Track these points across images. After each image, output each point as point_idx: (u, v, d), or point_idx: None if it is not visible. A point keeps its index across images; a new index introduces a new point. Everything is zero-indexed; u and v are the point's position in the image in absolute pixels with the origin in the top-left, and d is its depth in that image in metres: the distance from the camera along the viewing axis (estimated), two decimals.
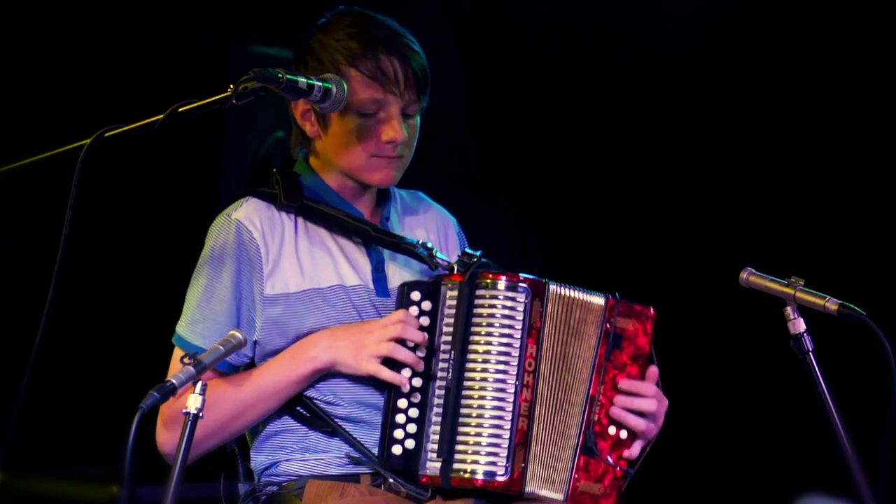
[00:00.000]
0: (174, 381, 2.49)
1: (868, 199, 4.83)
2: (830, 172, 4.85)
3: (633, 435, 2.92)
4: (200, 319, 2.94)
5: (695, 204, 5.01)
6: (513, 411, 2.82)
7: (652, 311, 2.94)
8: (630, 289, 2.96)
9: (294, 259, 2.97)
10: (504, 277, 2.85)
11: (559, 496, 2.86)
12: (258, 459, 2.98)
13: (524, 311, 2.85)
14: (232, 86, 2.73)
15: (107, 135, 2.74)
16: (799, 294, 2.85)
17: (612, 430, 2.90)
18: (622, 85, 5.07)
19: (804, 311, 2.86)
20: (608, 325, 2.91)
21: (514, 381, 2.83)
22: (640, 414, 2.91)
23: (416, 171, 3.10)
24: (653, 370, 2.95)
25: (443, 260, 2.97)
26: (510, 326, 2.84)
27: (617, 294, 2.92)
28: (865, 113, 4.81)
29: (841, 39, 4.80)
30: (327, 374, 2.91)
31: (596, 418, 2.89)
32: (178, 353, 2.95)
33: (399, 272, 3.03)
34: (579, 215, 5.12)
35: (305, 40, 3.03)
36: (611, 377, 2.90)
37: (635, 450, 2.92)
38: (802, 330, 2.84)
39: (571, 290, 2.90)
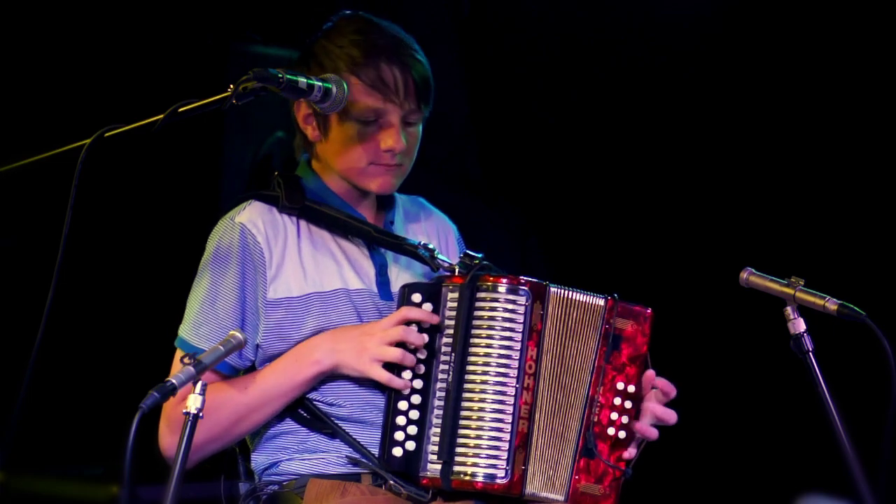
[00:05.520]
0: (174, 381, 2.48)
1: (868, 199, 4.83)
2: (830, 172, 4.85)
3: (632, 436, 2.92)
4: (204, 322, 2.92)
5: (695, 204, 5.01)
6: (513, 414, 2.82)
7: (649, 311, 2.93)
8: (630, 289, 2.96)
9: (297, 263, 2.97)
10: (505, 280, 2.85)
11: (560, 497, 2.86)
12: (259, 459, 2.98)
13: (525, 314, 2.84)
14: (232, 86, 2.72)
15: (107, 135, 2.73)
16: (799, 294, 2.85)
17: (610, 430, 2.90)
18: (622, 85, 5.07)
19: (804, 311, 2.85)
20: (607, 327, 2.90)
21: (514, 384, 2.83)
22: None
23: (417, 171, 3.09)
24: (649, 374, 2.94)
25: (444, 261, 2.97)
26: (511, 329, 2.84)
27: (615, 295, 2.92)
28: (865, 113, 4.81)
29: (841, 39, 4.80)
30: (330, 375, 2.91)
31: (595, 419, 2.89)
32: (179, 355, 2.93)
33: (402, 275, 3.02)
34: (579, 216, 5.12)
35: (310, 45, 3.01)
36: (610, 378, 2.90)
37: (633, 450, 2.92)
38: (802, 330, 2.84)
39: (572, 293, 2.90)
